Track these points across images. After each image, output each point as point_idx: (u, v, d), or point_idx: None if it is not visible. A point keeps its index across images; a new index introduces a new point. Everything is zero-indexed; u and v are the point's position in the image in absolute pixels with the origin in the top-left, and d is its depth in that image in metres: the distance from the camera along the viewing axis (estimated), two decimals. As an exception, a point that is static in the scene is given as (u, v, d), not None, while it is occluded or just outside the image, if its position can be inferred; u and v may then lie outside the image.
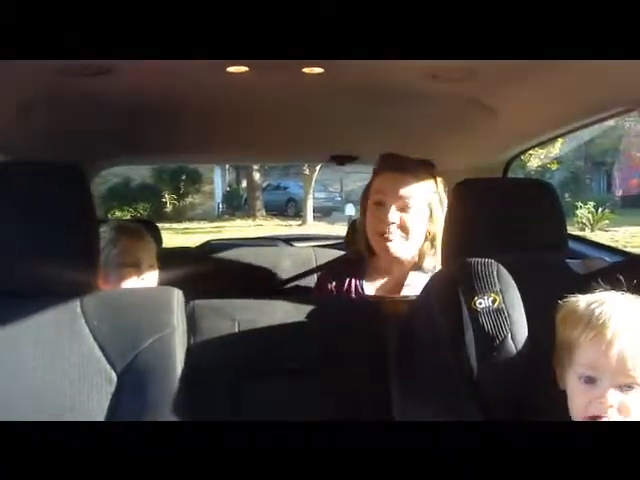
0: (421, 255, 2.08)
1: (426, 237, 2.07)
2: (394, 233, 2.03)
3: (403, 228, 2.03)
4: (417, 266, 2.09)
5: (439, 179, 2.12)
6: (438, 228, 2.01)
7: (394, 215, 2.02)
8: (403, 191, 2.02)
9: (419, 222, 2.05)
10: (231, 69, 1.72)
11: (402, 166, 2.06)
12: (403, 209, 2.03)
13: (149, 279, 2.03)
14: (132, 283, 1.98)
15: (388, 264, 2.11)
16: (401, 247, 2.05)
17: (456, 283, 1.43)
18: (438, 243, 1.99)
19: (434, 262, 2.06)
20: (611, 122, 17.99)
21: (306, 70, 1.76)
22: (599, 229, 17.39)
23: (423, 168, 2.09)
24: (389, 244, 2.03)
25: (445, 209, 2.01)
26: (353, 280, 2.11)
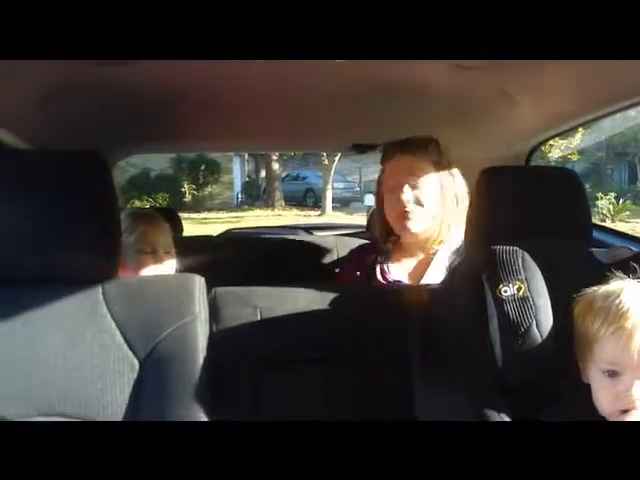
0: (440, 233, 2.12)
1: (442, 214, 2.10)
2: (411, 211, 2.07)
3: (418, 203, 2.07)
4: (439, 245, 2.12)
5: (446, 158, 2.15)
6: (450, 204, 2.10)
7: (409, 193, 2.07)
8: (414, 171, 2.08)
9: (433, 198, 2.09)
10: (252, 57, 1.71)
11: (410, 147, 2.11)
12: (416, 187, 2.07)
13: (166, 264, 2.05)
14: (150, 269, 1.99)
15: (411, 247, 2.15)
16: (420, 223, 2.08)
17: (481, 270, 1.42)
18: (452, 221, 2.09)
19: (455, 240, 2.10)
20: (633, 112, 17.83)
21: None
22: (620, 220, 17.27)
23: (431, 145, 2.13)
24: (408, 222, 2.08)
25: (456, 186, 2.11)
26: (378, 263, 2.16)
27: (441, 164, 2.11)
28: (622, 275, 1.29)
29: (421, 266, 2.13)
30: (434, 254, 2.12)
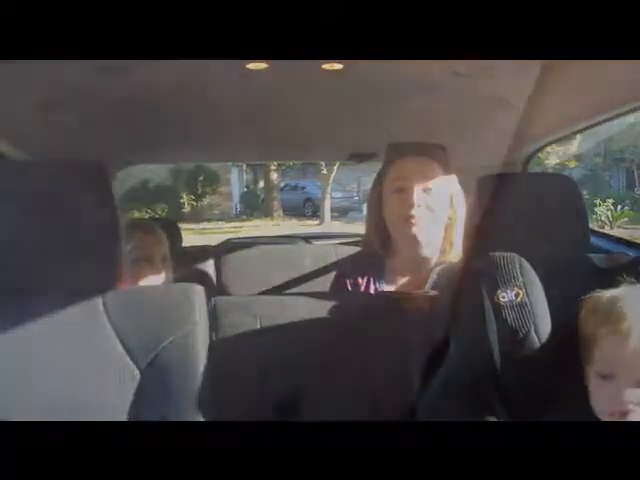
0: (443, 250, 2.00)
1: (446, 228, 1.98)
2: (420, 216, 1.91)
3: (428, 208, 1.91)
4: (438, 263, 2.00)
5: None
6: (459, 218, 1.95)
7: (419, 197, 1.90)
8: (427, 174, 1.94)
9: (443, 207, 1.95)
10: (250, 66, 1.72)
11: (423, 149, 1.99)
12: (427, 191, 1.92)
13: (163, 273, 2.05)
14: (146, 278, 2.00)
15: (407, 263, 2.01)
16: (427, 230, 1.93)
17: (479, 277, 1.42)
18: (457, 236, 1.94)
19: (455, 259, 1.98)
20: (631, 118, 17.84)
21: (326, 67, 1.76)
22: (618, 227, 17.25)
23: (442, 152, 2.02)
24: (415, 228, 1.91)
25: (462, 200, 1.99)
26: (371, 281, 2.01)
27: (450, 173, 1.99)
28: (621, 280, 1.29)
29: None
30: (430, 272, 1.98)
